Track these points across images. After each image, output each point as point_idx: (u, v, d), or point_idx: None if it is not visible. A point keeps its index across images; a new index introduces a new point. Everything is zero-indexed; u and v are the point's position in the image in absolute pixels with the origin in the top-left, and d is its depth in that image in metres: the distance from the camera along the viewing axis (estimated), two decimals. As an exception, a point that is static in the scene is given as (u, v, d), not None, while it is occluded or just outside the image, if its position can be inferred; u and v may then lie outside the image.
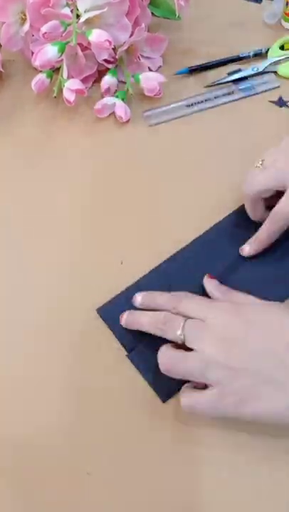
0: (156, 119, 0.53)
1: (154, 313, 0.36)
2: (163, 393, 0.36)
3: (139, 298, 0.38)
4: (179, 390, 0.35)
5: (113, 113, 0.54)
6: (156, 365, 0.34)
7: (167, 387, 0.35)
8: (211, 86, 0.56)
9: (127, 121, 0.53)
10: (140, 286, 0.40)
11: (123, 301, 0.39)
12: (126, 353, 0.38)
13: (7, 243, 0.45)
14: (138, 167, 0.50)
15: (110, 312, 0.39)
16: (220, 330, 0.32)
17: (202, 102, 0.54)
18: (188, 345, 0.33)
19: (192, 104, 0.54)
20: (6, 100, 0.57)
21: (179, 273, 0.41)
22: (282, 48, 0.59)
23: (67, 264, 0.43)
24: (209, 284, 0.39)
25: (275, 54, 0.58)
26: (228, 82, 0.56)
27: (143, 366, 0.37)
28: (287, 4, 0.61)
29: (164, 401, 0.35)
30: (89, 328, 0.39)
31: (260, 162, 0.41)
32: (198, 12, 0.61)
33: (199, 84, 0.56)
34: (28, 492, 0.33)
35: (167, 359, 0.33)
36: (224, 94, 0.54)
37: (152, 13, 0.58)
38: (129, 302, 0.38)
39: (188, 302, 0.35)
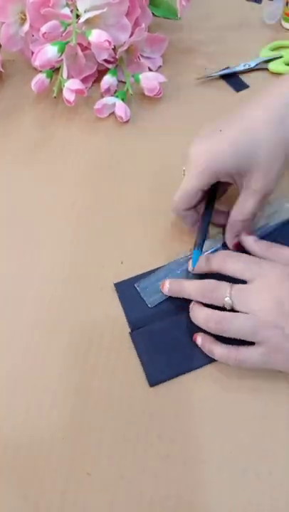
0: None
1: (200, 282, 0.37)
2: (153, 377, 0.36)
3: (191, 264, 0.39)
4: (168, 379, 0.36)
5: (113, 113, 0.54)
6: (154, 348, 0.36)
7: (159, 372, 0.36)
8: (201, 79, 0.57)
9: (127, 121, 0.53)
10: (163, 270, 0.41)
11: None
12: (130, 331, 0.39)
13: (7, 243, 0.45)
14: (138, 167, 0.50)
15: (126, 289, 0.40)
16: (268, 292, 0.34)
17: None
18: (238, 309, 0.34)
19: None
20: (6, 100, 0.57)
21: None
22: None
23: (67, 264, 0.43)
24: (247, 241, 0.39)
25: (265, 54, 0.59)
26: (218, 75, 0.57)
27: (141, 346, 0.37)
28: (287, 4, 0.62)
29: (151, 385, 0.36)
30: (87, 328, 0.39)
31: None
32: (198, 12, 0.61)
33: (196, 83, 0.56)
34: (28, 492, 0.33)
35: (217, 317, 0.34)
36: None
37: (152, 13, 0.58)
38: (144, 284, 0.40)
39: (234, 262, 0.36)
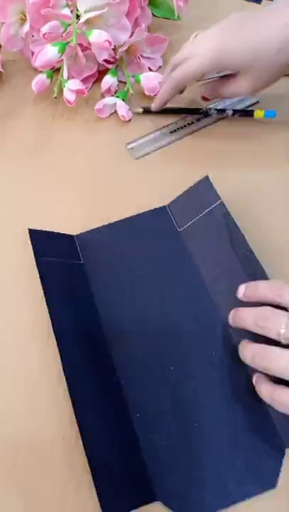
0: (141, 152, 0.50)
1: (257, 310, 0.32)
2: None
3: (242, 289, 0.34)
4: None
5: (113, 113, 0.54)
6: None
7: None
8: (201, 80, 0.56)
9: (129, 120, 0.53)
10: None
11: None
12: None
13: (7, 242, 0.45)
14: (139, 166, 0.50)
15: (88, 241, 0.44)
16: None
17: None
18: None
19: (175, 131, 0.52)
20: (6, 100, 0.57)
21: None
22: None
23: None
24: None
25: None
26: (218, 76, 0.56)
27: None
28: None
29: None
30: (89, 328, 0.39)
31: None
32: (198, 12, 0.61)
33: (196, 84, 0.56)
34: (28, 492, 0.33)
35: (264, 352, 0.30)
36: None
37: (153, 14, 0.58)
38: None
39: None
